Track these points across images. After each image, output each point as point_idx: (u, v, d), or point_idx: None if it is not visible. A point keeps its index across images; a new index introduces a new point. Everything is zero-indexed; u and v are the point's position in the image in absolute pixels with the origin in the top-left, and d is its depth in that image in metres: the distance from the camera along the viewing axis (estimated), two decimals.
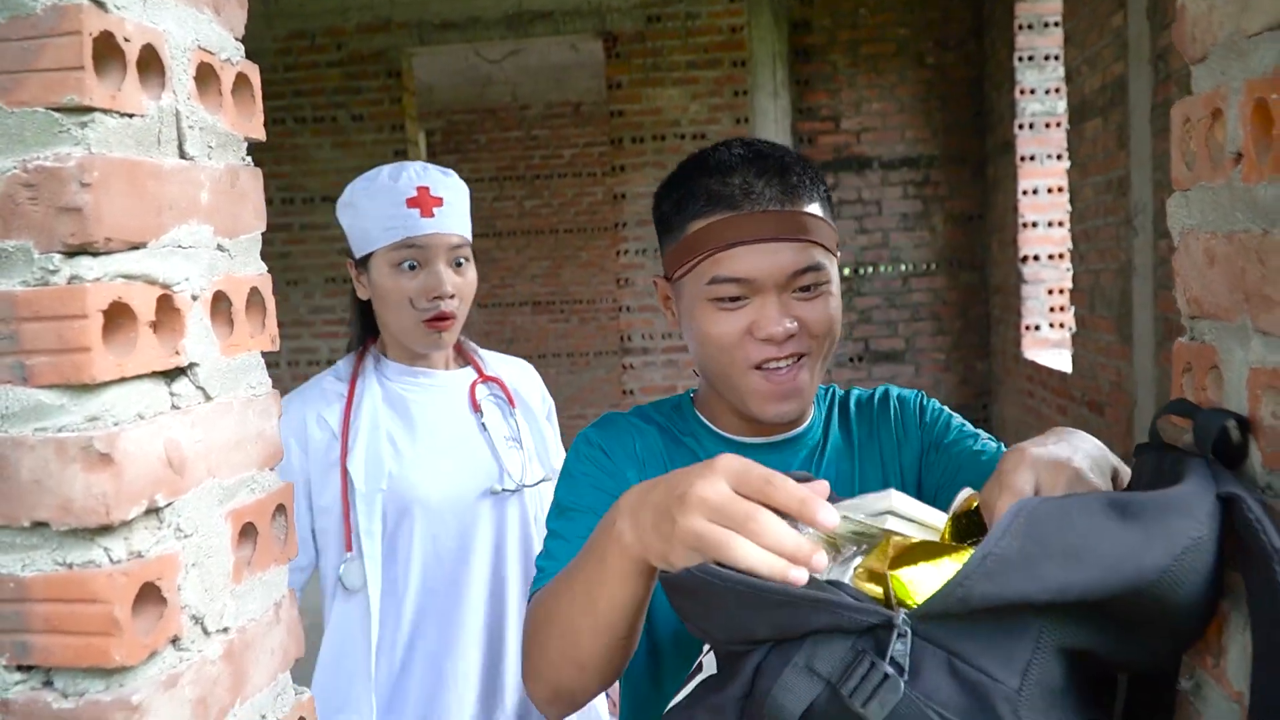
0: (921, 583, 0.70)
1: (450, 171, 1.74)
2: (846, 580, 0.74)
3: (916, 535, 0.77)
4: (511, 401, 1.82)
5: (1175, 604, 0.68)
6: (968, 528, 0.81)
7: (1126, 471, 0.85)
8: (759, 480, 0.77)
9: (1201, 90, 0.80)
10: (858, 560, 0.76)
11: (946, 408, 1.33)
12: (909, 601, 0.70)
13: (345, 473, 1.66)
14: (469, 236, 1.73)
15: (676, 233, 1.20)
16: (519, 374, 1.91)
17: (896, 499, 0.80)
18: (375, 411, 1.70)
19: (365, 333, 1.80)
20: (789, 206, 1.14)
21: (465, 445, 1.73)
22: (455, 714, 1.69)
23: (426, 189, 1.66)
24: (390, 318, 1.71)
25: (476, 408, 1.77)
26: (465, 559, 1.71)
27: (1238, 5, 0.73)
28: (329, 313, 6.82)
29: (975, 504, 0.81)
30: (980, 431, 1.29)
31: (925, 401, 1.32)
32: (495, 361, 1.88)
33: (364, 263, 1.71)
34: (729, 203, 1.15)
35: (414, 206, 1.65)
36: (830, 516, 0.73)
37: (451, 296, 1.68)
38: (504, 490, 1.72)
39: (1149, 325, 4.29)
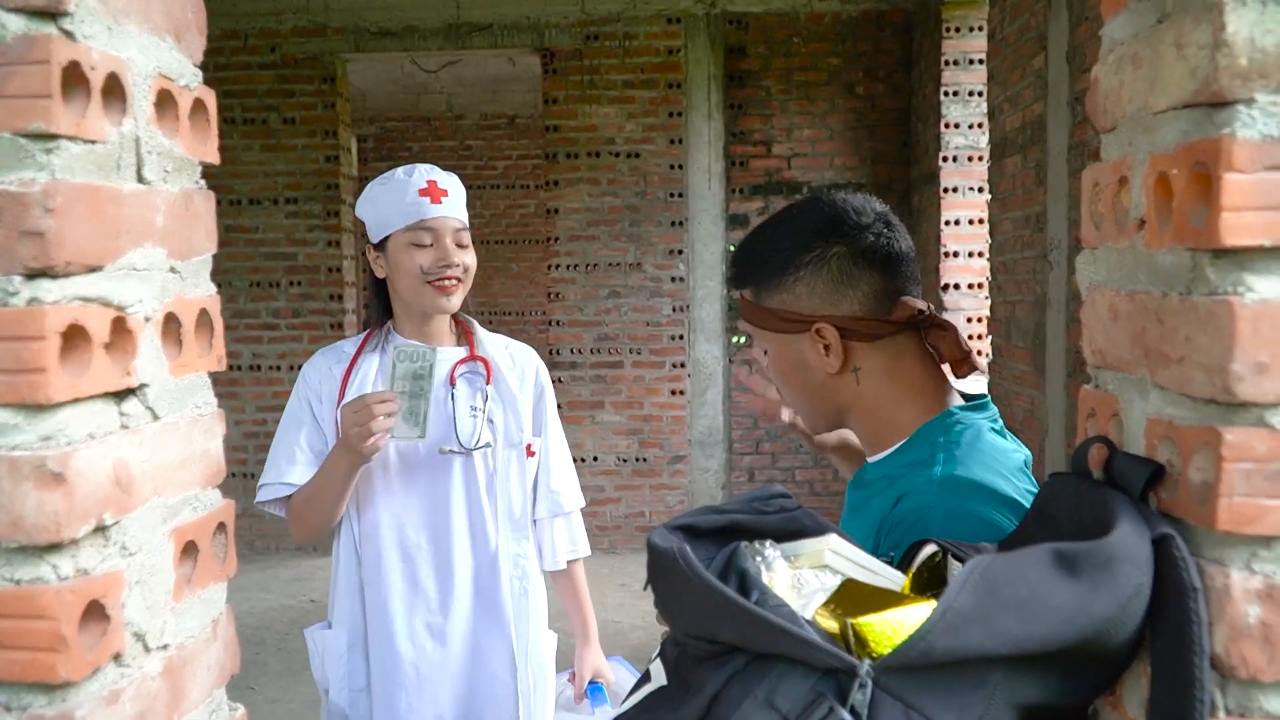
0: (885, 631, 0.74)
1: (452, 174, 2.11)
2: (808, 615, 0.77)
3: (860, 577, 0.82)
4: (489, 379, 2.12)
5: (1119, 645, 0.73)
6: (928, 581, 0.85)
7: None
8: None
9: (1110, 158, 0.86)
10: (820, 597, 0.79)
11: None
12: (872, 647, 0.74)
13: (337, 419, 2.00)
14: (467, 224, 2.12)
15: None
16: (511, 355, 2.22)
17: (834, 542, 0.84)
18: (370, 373, 2.08)
19: (384, 313, 2.14)
20: None
21: (435, 411, 2.02)
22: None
23: (435, 182, 2.05)
24: (404, 285, 2.05)
25: (452, 381, 2.09)
26: (439, 505, 2.06)
27: (1146, 83, 0.79)
28: (253, 317, 6.72)
29: (938, 559, 0.86)
30: None
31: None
32: (491, 344, 2.19)
33: (381, 245, 2.06)
34: None
35: (425, 195, 2.02)
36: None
37: (457, 265, 2.06)
38: (450, 451, 2.04)
39: (1061, 357, 4.44)
